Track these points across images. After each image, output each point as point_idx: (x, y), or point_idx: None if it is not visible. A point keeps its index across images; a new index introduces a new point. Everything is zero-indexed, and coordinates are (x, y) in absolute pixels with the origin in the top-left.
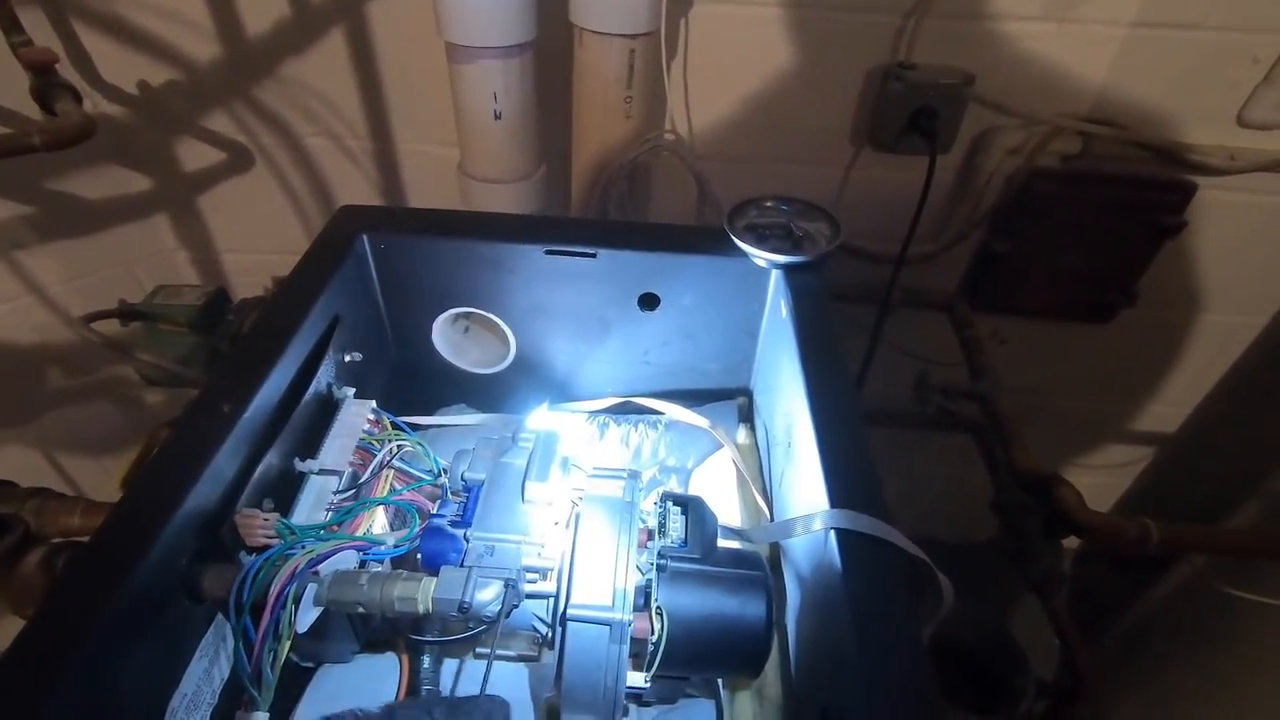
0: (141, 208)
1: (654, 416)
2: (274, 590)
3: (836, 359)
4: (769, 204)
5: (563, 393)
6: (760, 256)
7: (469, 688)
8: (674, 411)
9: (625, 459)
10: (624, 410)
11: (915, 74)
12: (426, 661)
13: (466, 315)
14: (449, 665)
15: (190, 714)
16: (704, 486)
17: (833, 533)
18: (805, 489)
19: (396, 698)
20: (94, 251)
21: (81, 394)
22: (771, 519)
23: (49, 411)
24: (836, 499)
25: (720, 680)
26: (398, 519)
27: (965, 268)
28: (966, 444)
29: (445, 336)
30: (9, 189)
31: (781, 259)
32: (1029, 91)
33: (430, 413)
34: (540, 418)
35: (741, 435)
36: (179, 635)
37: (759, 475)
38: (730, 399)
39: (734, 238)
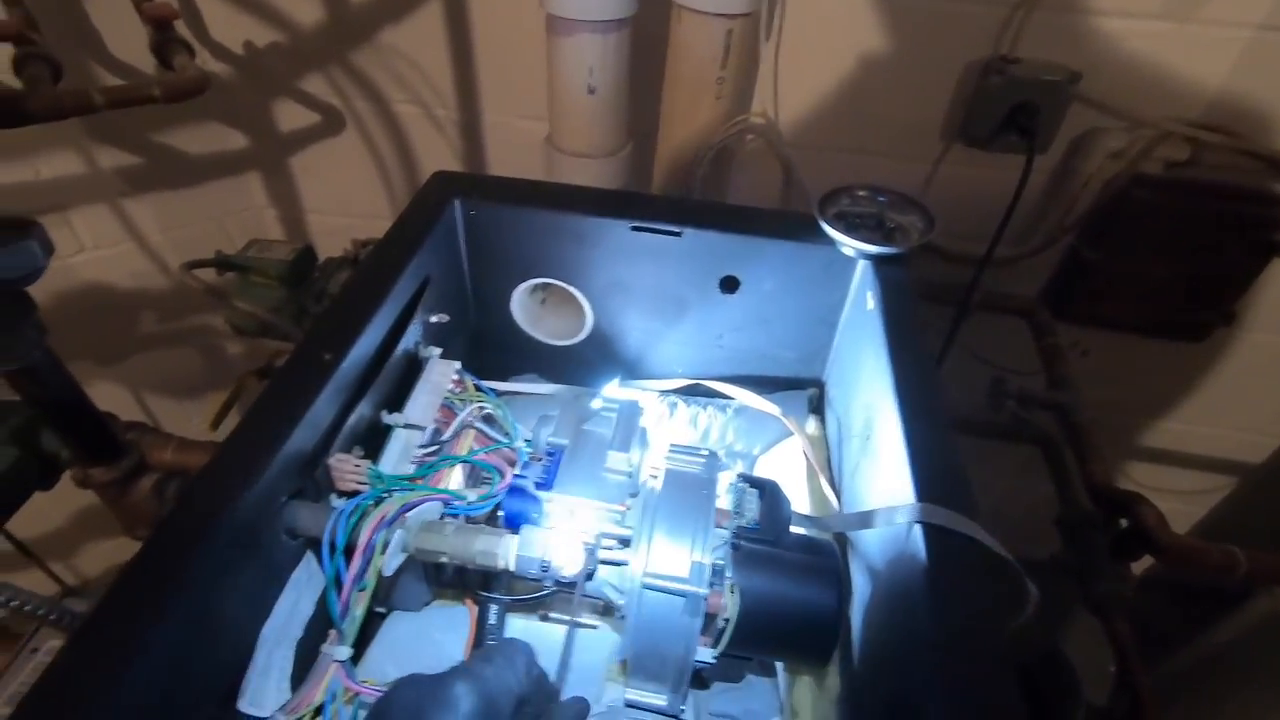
0: (236, 164)
1: (723, 400)
2: (365, 534)
3: (924, 355)
4: (862, 193)
5: (633, 370)
6: (850, 246)
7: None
8: (744, 397)
9: (693, 440)
10: (693, 392)
11: (1018, 68)
12: (493, 618)
13: (544, 286)
14: (513, 622)
15: (278, 644)
16: (770, 474)
17: (917, 527)
18: (885, 483)
19: (465, 650)
20: (190, 204)
21: (170, 339)
22: (839, 510)
23: (139, 353)
24: (923, 493)
25: (780, 665)
26: (473, 478)
27: (1050, 274)
28: (1030, 455)
29: (523, 306)
30: (119, 139)
31: (872, 249)
32: (1137, 92)
33: (503, 379)
34: (612, 393)
35: (810, 426)
36: (272, 569)
37: (827, 467)
38: (801, 388)
39: (824, 225)
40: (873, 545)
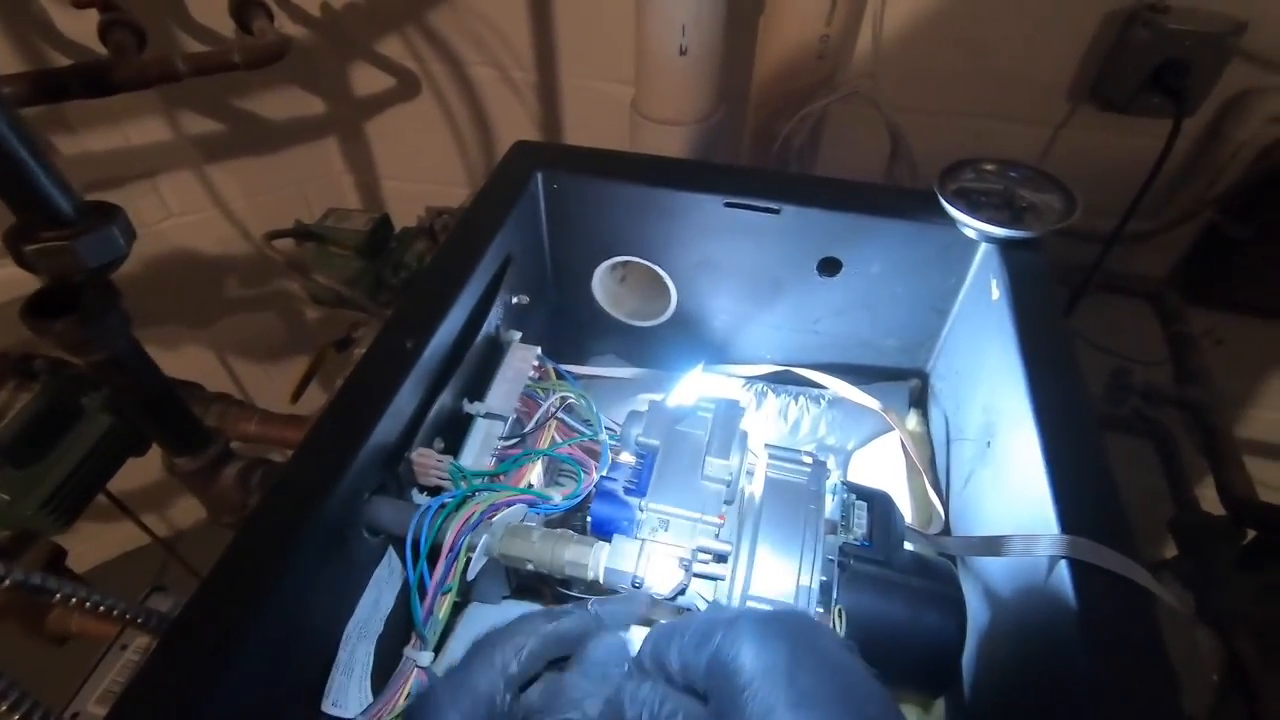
0: (314, 130)
1: (816, 390)
2: (450, 537)
3: (1068, 356)
4: (989, 167)
5: (718, 354)
6: (974, 227)
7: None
8: (840, 387)
9: (782, 432)
10: (782, 380)
11: (1169, 19)
12: None
13: (624, 264)
14: None
15: (361, 641)
16: (866, 473)
17: (1063, 563)
18: (1011, 501)
19: None
20: (270, 170)
21: (252, 305)
22: (946, 520)
23: (224, 318)
24: (1070, 521)
25: None
26: (552, 469)
27: (1182, 253)
28: (1136, 447)
29: (603, 284)
30: (201, 105)
31: (999, 232)
32: None
33: (579, 361)
34: (696, 379)
35: (912, 421)
36: (356, 565)
37: (931, 468)
38: (901, 380)
39: (945, 203)
40: (995, 571)
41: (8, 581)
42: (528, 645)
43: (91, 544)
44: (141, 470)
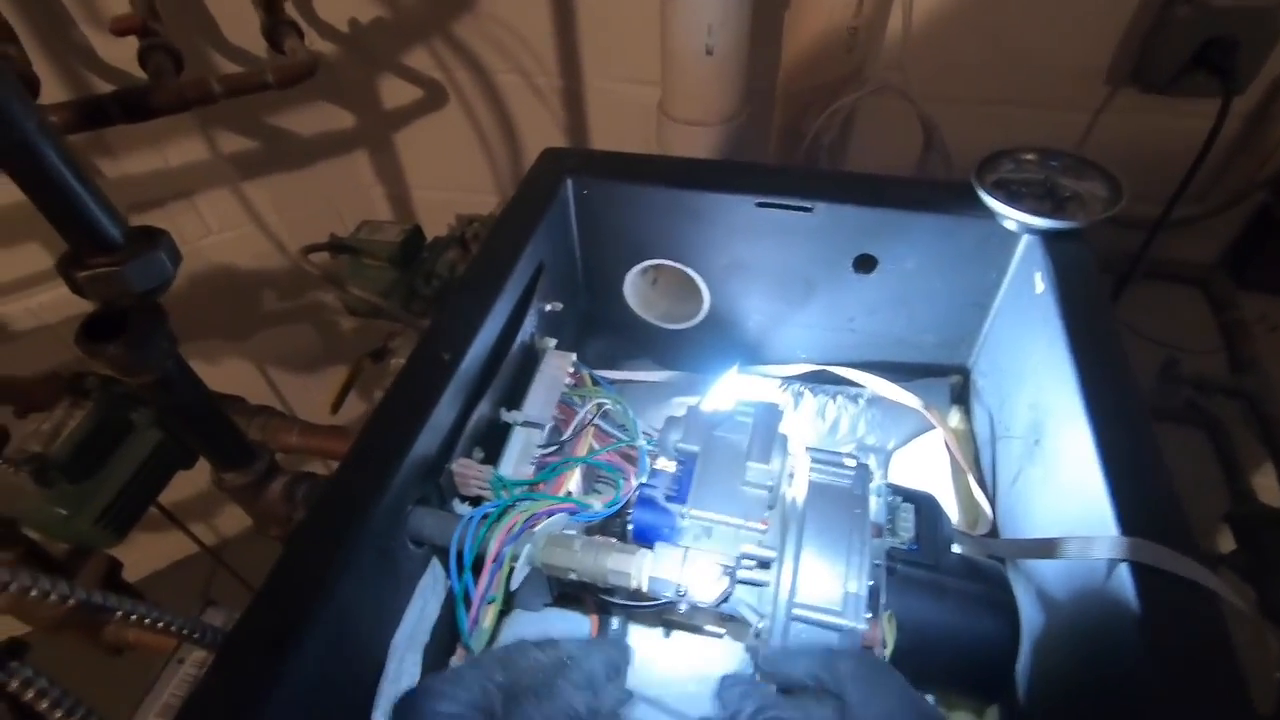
0: (344, 144)
1: (854, 389)
2: (494, 547)
3: (1118, 350)
4: (1029, 156)
5: (752, 355)
6: (1015, 219)
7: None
8: (878, 386)
9: (820, 432)
10: (819, 379)
11: None
12: (615, 623)
13: (655, 267)
14: (633, 628)
15: (409, 651)
16: (906, 472)
17: (1123, 566)
18: (1064, 500)
19: None
20: (302, 185)
21: (289, 317)
22: (994, 519)
23: (262, 330)
24: (1130, 522)
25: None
26: (590, 476)
27: (1233, 236)
28: (1189, 437)
29: (635, 288)
30: (235, 124)
31: (1042, 223)
32: None
33: (612, 366)
34: (731, 381)
35: (954, 419)
36: (400, 577)
37: (975, 465)
38: (941, 376)
39: (984, 195)
40: (1047, 573)
41: (73, 601)
42: (516, 660)
43: (142, 554)
44: (189, 481)
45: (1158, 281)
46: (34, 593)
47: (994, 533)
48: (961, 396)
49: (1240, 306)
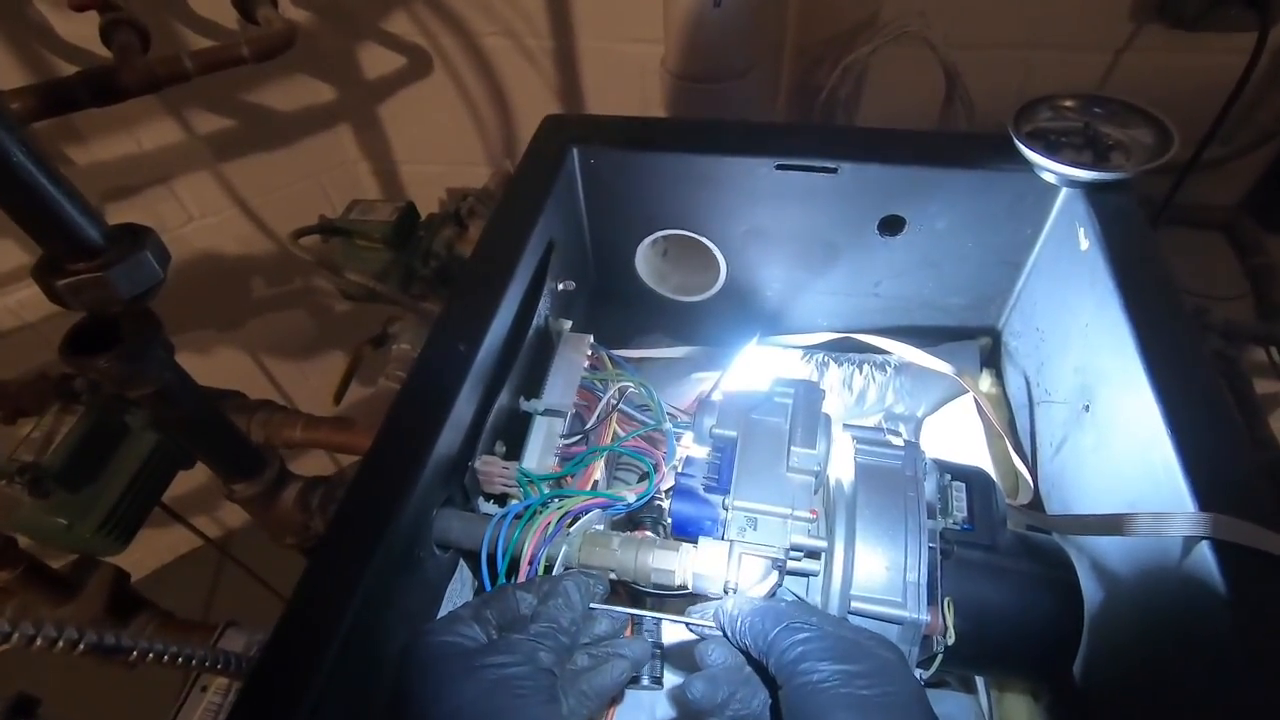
0: (326, 118)
1: (880, 356)
2: (528, 550)
3: (1178, 309)
4: (1068, 103)
5: (772, 324)
6: (1056, 171)
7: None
8: (906, 352)
9: (847, 403)
10: (843, 348)
11: None
12: (648, 621)
13: (665, 237)
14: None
15: None
16: (939, 440)
17: (1204, 544)
18: (1121, 470)
19: None
20: (285, 164)
21: (280, 302)
22: (1035, 489)
23: (253, 318)
24: (1207, 500)
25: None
26: (612, 461)
27: (1257, 177)
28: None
29: (647, 260)
30: (210, 104)
31: (1086, 175)
32: None
33: (625, 343)
34: (751, 353)
35: (985, 383)
36: (428, 584)
37: (1011, 431)
38: (969, 339)
39: (1021, 146)
40: (1108, 549)
41: (83, 646)
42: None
43: (147, 551)
44: (190, 473)
45: (1178, 227)
46: (39, 641)
47: (1036, 502)
48: (991, 360)
49: (1268, 250)
